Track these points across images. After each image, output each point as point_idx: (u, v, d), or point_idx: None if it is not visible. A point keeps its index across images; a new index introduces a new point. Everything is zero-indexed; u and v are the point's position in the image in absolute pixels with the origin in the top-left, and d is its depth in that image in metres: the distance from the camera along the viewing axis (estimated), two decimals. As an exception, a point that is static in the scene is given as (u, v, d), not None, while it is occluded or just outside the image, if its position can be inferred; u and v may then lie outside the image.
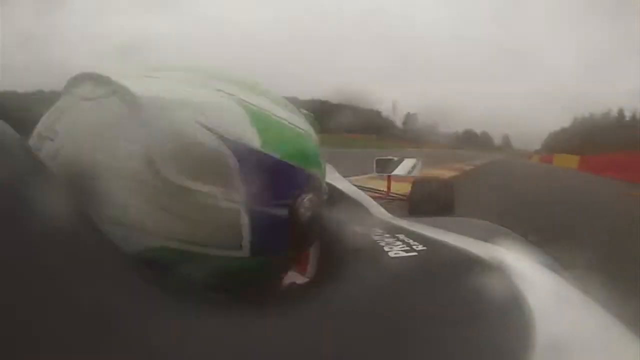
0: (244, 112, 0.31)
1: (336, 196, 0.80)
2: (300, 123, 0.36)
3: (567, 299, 0.32)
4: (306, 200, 0.34)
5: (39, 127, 0.33)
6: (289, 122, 0.34)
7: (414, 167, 1.47)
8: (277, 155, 0.32)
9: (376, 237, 0.41)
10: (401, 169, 1.48)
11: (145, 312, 0.23)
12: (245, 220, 0.30)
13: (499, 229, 0.54)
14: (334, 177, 0.95)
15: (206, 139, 0.28)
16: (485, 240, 0.41)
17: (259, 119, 0.31)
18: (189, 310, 0.25)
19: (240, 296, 0.34)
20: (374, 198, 0.86)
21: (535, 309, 0.27)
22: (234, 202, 0.30)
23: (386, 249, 0.36)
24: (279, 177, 0.32)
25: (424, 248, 0.37)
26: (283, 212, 0.33)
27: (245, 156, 0.30)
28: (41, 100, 0.36)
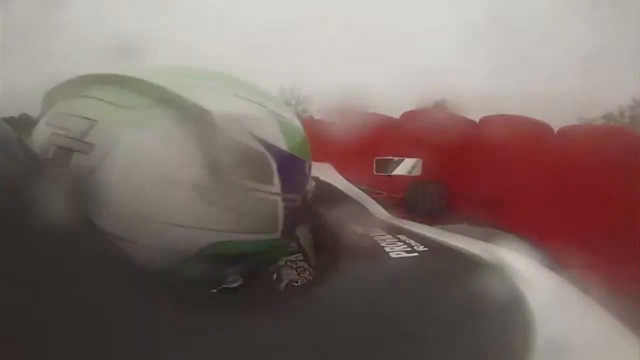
0: (274, 121, 0.37)
1: (336, 196, 0.80)
2: (295, 119, 0.41)
3: (567, 299, 0.32)
4: (311, 187, 0.42)
5: (50, 128, 0.32)
6: (293, 121, 0.40)
7: (414, 167, 1.47)
8: (298, 155, 0.39)
9: (377, 238, 0.41)
10: (401, 169, 1.48)
11: (146, 313, 0.23)
12: (281, 208, 0.37)
13: (499, 232, 0.54)
14: (334, 178, 0.95)
15: (256, 147, 0.34)
16: (486, 240, 0.41)
17: (284, 126, 0.37)
18: (190, 311, 0.25)
19: (241, 296, 0.34)
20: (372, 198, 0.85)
21: (535, 309, 0.27)
22: (273, 195, 0.36)
23: (387, 249, 0.36)
24: (298, 172, 0.40)
25: (425, 249, 0.37)
26: (298, 197, 0.39)
27: (279, 158, 0.36)
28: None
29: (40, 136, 0.32)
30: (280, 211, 0.37)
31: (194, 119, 0.31)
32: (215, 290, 0.36)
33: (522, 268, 0.34)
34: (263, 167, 0.34)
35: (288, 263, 0.48)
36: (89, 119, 0.30)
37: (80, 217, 0.26)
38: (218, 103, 0.32)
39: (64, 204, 0.26)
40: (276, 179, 0.35)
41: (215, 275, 0.36)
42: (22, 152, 0.27)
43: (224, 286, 0.36)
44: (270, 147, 0.35)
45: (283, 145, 0.36)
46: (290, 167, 0.37)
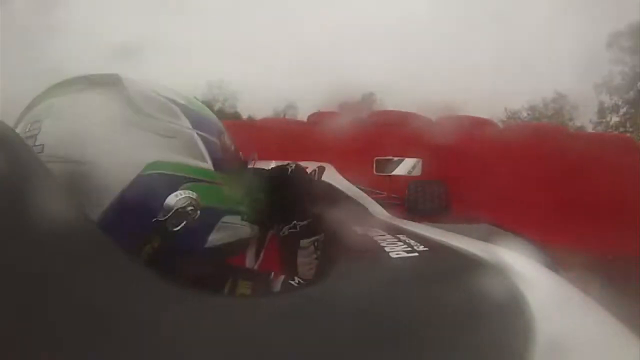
0: (177, 93, 0.46)
1: (336, 196, 0.80)
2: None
3: (567, 299, 0.32)
4: (228, 139, 0.51)
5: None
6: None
7: (414, 167, 1.47)
8: (196, 107, 0.47)
9: (377, 238, 0.41)
10: (401, 169, 1.47)
11: (144, 309, 0.23)
12: (199, 141, 0.44)
13: (500, 231, 0.54)
14: (334, 178, 0.95)
15: (160, 98, 0.43)
16: (486, 240, 0.41)
17: (187, 98, 0.47)
18: (187, 308, 0.25)
19: (241, 296, 0.34)
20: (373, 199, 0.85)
21: (535, 309, 0.27)
22: (187, 129, 0.44)
23: (387, 249, 0.36)
24: (203, 117, 0.47)
25: (425, 249, 0.37)
26: (214, 138, 0.47)
27: (181, 106, 0.45)
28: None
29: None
30: (200, 144, 0.44)
31: (111, 83, 0.41)
32: (169, 215, 0.39)
33: (522, 268, 0.34)
34: (170, 109, 0.43)
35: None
36: (49, 105, 0.41)
37: (80, 214, 0.26)
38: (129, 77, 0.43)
39: (64, 202, 0.26)
40: (183, 117, 0.44)
41: (159, 203, 0.40)
42: (22, 151, 0.27)
43: (177, 209, 0.39)
44: (171, 100, 0.44)
45: (182, 100, 0.45)
46: (194, 115, 0.45)
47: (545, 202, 2.27)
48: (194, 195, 0.41)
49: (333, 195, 0.80)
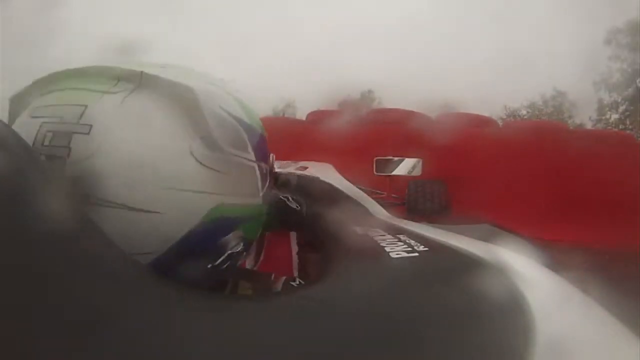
0: (233, 98, 0.39)
1: (336, 196, 0.80)
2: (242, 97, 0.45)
3: (567, 299, 0.32)
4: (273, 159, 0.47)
5: (38, 119, 0.32)
6: (242, 98, 0.42)
7: (414, 166, 1.47)
8: (257, 127, 0.41)
9: (377, 238, 0.41)
10: (401, 169, 1.48)
11: (145, 310, 0.23)
12: (257, 174, 0.40)
13: (499, 231, 0.54)
14: (334, 178, 0.95)
15: (229, 118, 0.37)
16: (486, 240, 0.41)
17: (240, 102, 0.40)
18: (188, 309, 0.25)
19: (240, 296, 0.34)
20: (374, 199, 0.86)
21: (535, 309, 0.27)
22: (250, 162, 0.39)
23: (387, 249, 0.36)
24: (261, 141, 0.42)
25: (425, 249, 0.37)
26: (267, 166, 0.43)
27: (247, 129, 0.39)
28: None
29: (28, 128, 0.32)
30: (258, 177, 0.40)
31: (178, 95, 0.33)
32: (221, 259, 0.37)
33: (522, 268, 0.34)
34: (239, 136, 0.37)
35: None
36: (78, 105, 0.31)
37: (81, 214, 0.26)
38: (191, 82, 0.34)
39: (64, 201, 0.26)
40: (249, 148, 0.39)
41: (214, 248, 0.37)
42: (22, 151, 0.27)
43: (229, 252, 0.38)
44: (238, 120, 0.38)
45: (245, 118, 0.39)
46: (255, 137, 0.40)
47: (545, 199, 2.28)
48: (243, 234, 0.39)
49: (333, 195, 0.80)
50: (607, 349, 0.26)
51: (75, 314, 0.21)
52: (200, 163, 0.33)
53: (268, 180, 0.43)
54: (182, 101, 0.33)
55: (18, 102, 0.35)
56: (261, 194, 0.41)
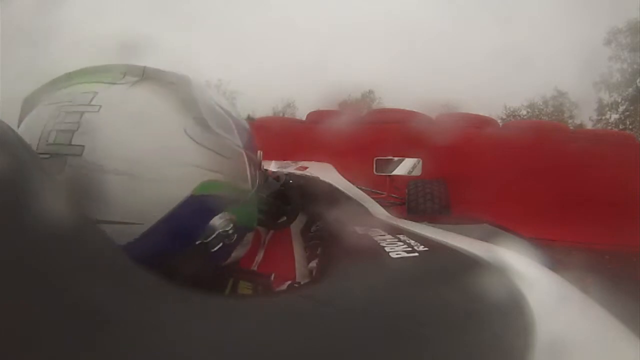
0: (225, 99, 0.44)
1: (337, 196, 0.80)
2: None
3: (567, 299, 0.32)
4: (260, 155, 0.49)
5: (54, 105, 0.36)
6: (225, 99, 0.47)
7: (414, 166, 1.47)
8: (243, 123, 0.46)
9: (377, 238, 0.41)
10: (401, 169, 1.48)
11: (145, 309, 0.23)
12: (246, 162, 0.43)
13: (499, 231, 0.54)
14: (334, 177, 0.95)
15: (219, 108, 0.41)
16: (486, 240, 0.41)
17: (231, 104, 0.44)
18: (188, 309, 0.25)
19: (240, 296, 0.34)
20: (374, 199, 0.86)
21: (535, 309, 0.27)
22: (239, 148, 0.42)
23: (387, 249, 0.36)
24: (249, 132, 0.46)
25: (425, 248, 0.37)
26: (255, 157, 0.46)
27: (234, 119, 0.43)
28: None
29: (42, 115, 0.36)
30: (247, 164, 0.43)
31: (175, 83, 0.38)
32: (211, 238, 0.38)
33: (522, 268, 0.34)
34: (227, 123, 0.42)
35: None
36: (90, 92, 0.36)
37: (81, 212, 0.26)
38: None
39: (64, 201, 0.26)
40: (236, 134, 0.42)
41: (204, 225, 0.39)
42: (22, 150, 0.27)
43: (219, 231, 0.39)
44: (227, 112, 0.42)
45: (234, 113, 0.44)
46: (243, 130, 0.44)
47: (545, 199, 2.29)
48: (234, 217, 0.40)
49: (333, 195, 0.80)
50: (606, 348, 0.26)
51: (75, 314, 0.21)
52: (193, 140, 0.37)
53: (257, 172, 0.46)
54: (179, 88, 0.38)
55: (31, 100, 0.39)
56: (250, 181, 0.44)
